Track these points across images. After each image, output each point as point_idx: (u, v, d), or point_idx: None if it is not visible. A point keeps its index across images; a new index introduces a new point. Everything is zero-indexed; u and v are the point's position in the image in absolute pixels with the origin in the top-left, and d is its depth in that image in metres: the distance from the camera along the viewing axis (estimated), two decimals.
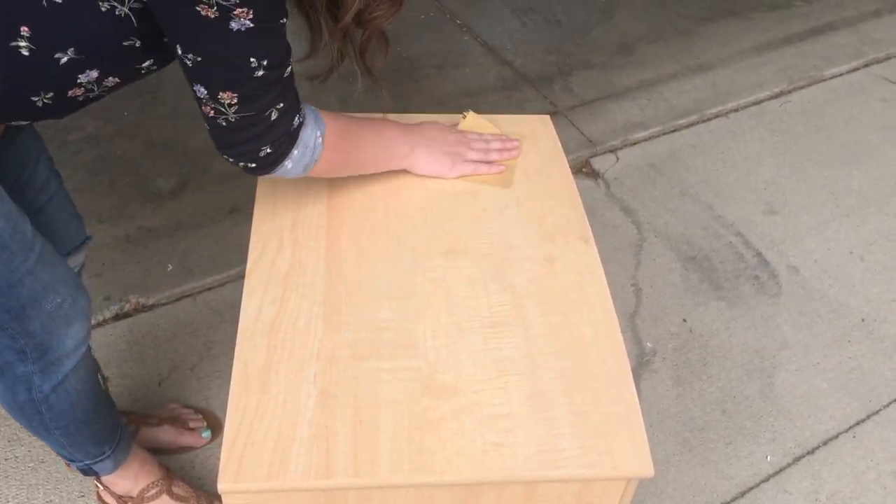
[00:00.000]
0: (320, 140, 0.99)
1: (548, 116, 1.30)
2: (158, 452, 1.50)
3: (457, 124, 1.23)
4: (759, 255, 2.07)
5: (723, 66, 2.73)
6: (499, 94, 2.51)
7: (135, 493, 1.37)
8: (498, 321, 0.98)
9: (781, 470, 1.62)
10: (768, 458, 1.63)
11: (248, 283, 0.99)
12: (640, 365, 1.78)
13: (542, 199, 1.14)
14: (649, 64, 2.71)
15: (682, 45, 2.82)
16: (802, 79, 2.68)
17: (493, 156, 1.18)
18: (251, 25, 0.81)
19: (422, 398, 0.89)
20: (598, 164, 2.30)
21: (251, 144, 0.93)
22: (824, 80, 2.70)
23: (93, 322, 1.73)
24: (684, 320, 1.88)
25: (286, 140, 0.95)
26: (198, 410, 1.57)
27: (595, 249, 1.08)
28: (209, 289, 1.81)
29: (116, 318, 1.76)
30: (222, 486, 0.81)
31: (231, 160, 0.95)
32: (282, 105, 0.91)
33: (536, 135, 1.26)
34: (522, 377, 0.92)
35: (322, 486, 0.82)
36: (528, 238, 1.08)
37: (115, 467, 1.32)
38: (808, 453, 1.65)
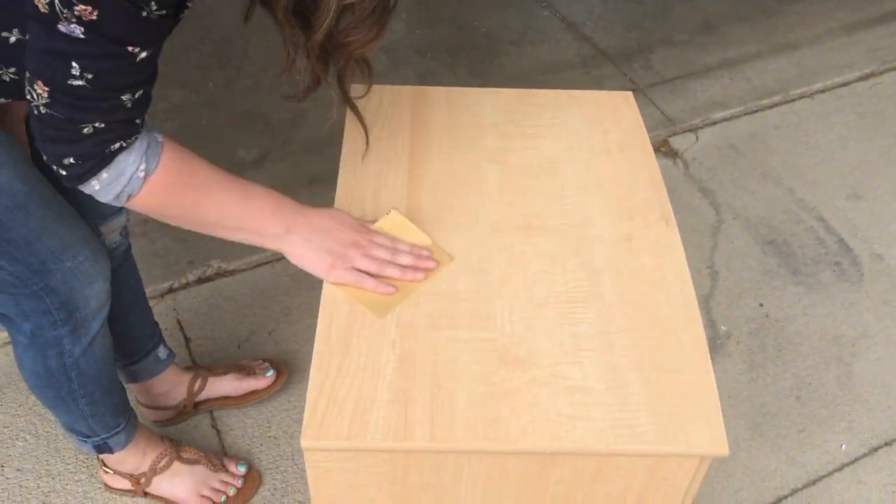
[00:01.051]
0: (142, 175, 0.88)
1: (630, 93, 1.29)
2: (226, 401, 1.56)
3: (375, 220, 1.04)
4: (841, 240, 2.01)
5: (809, 45, 2.64)
6: (577, 71, 2.49)
7: (145, 467, 1.39)
8: (575, 297, 0.98)
9: (857, 460, 1.58)
10: (843, 447, 1.60)
11: None
12: (714, 348, 1.76)
13: (622, 178, 1.14)
14: (732, 43, 2.64)
15: (766, 24, 2.74)
16: (894, 60, 2.58)
17: (390, 271, 0.98)
18: (82, 34, 0.75)
19: (498, 369, 0.90)
20: (678, 143, 2.26)
21: (57, 147, 0.85)
22: None
23: (176, 284, 1.81)
24: (761, 305, 1.85)
25: (95, 159, 0.85)
26: (265, 360, 1.62)
27: (676, 231, 1.07)
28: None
29: (199, 281, 1.82)
30: (305, 443, 0.84)
31: (45, 158, 0.87)
32: (101, 125, 0.83)
33: (618, 112, 1.25)
34: (598, 353, 0.93)
35: (400, 447, 0.85)
36: (607, 217, 1.08)
37: (128, 441, 1.35)
38: (886, 444, 1.61)
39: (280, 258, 1.86)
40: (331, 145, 1.17)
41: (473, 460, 0.88)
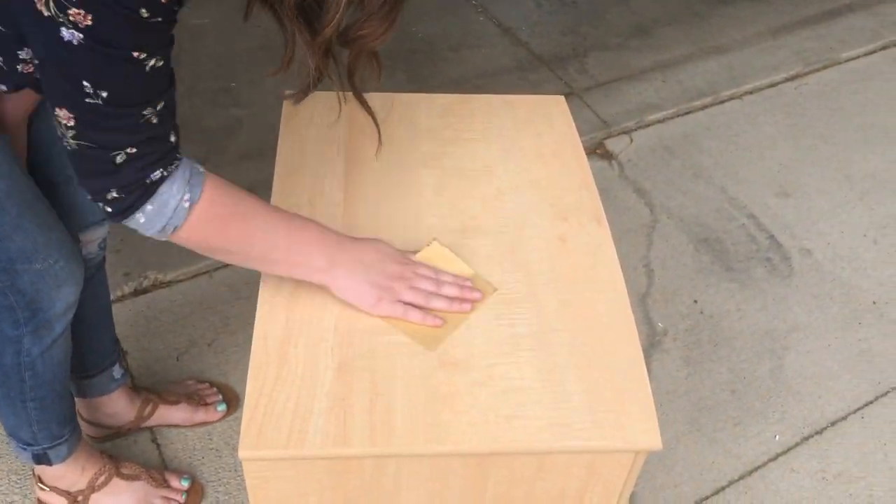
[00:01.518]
0: (186, 205, 0.86)
1: (562, 97, 1.31)
2: (176, 428, 1.53)
3: (417, 251, 1.03)
4: (771, 237, 2.07)
5: (738, 48, 2.72)
6: (514, 76, 2.52)
7: (83, 483, 1.36)
8: (511, 298, 1.00)
9: (789, 449, 1.63)
10: (776, 437, 1.65)
11: None
12: (651, 345, 1.79)
13: (556, 180, 1.16)
14: (665, 46, 2.70)
15: (698, 28, 2.81)
16: (819, 61, 2.67)
17: (437, 304, 0.96)
18: (82, 41, 0.72)
19: (436, 372, 0.91)
20: (613, 145, 2.30)
21: (98, 182, 0.83)
22: (840, 62, 2.69)
23: (112, 297, 1.77)
24: (695, 301, 1.90)
25: (137, 190, 0.83)
26: (214, 385, 1.60)
27: (608, 230, 1.09)
28: (225, 266, 1.83)
29: (135, 293, 1.79)
30: (242, 454, 0.84)
31: (90, 197, 0.85)
32: (132, 150, 0.81)
33: (551, 115, 1.27)
34: (535, 353, 0.94)
35: (339, 454, 0.84)
36: (542, 218, 1.10)
37: (69, 454, 1.31)
38: (817, 433, 1.67)
39: (218, 267, 1.85)
40: (269, 152, 1.16)
41: (414, 464, 0.88)
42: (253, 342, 0.92)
